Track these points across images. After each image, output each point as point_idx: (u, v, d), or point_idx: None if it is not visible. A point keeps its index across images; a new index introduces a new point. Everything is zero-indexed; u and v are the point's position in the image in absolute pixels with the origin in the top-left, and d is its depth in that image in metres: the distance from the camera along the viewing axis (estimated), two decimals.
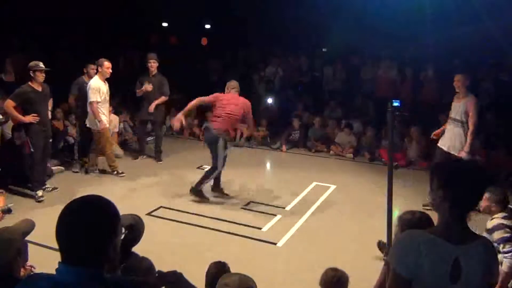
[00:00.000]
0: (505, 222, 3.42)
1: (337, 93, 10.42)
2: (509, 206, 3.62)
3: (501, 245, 3.35)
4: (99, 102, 6.48)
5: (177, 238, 4.88)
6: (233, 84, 5.97)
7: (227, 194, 6.13)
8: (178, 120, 5.83)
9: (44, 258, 2.87)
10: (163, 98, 7.62)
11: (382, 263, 3.55)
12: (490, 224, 3.49)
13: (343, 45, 10.11)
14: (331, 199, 6.20)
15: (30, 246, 3.13)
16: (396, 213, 3.80)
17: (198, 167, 7.26)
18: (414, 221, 2.46)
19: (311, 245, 4.80)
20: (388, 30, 8.84)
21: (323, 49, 11.73)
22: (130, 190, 6.34)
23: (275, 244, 4.79)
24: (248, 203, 5.94)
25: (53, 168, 6.77)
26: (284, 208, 5.82)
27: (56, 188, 6.17)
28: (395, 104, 4.02)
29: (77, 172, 7.02)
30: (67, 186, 6.29)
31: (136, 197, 6.03)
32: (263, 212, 5.67)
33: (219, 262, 2.80)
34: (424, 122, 8.19)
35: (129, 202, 5.58)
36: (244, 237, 4.92)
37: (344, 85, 10.48)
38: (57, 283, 1.35)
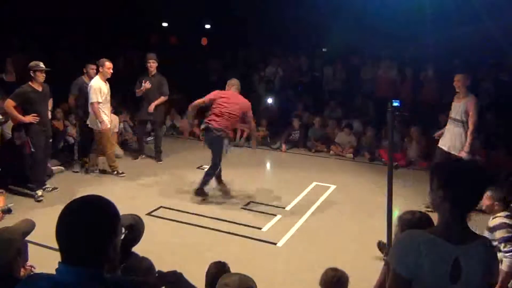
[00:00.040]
0: (507, 221, 3.41)
1: (337, 93, 10.43)
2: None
3: (502, 244, 3.35)
4: (100, 102, 6.48)
5: (177, 238, 4.88)
6: (233, 82, 5.98)
7: (228, 190, 6.12)
8: (186, 130, 5.83)
9: (44, 258, 2.87)
10: (162, 98, 7.62)
11: (382, 263, 3.55)
12: (492, 222, 3.48)
13: (343, 45, 10.11)
14: (331, 199, 6.20)
15: (30, 246, 3.13)
16: (396, 213, 3.80)
17: (198, 167, 7.26)
18: (414, 221, 2.46)
19: (311, 245, 4.80)
20: (388, 30, 8.84)
21: (323, 49, 11.74)
22: (130, 190, 6.34)
23: (275, 244, 4.79)
24: (248, 203, 5.94)
25: (53, 168, 6.77)
26: (284, 208, 5.82)
27: (56, 188, 6.17)
28: (395, 104, 4.02)
29: (77, 172, 7.02)
30: (67, 186, 6.29)
31: (136, 197, 6.03)
32: (263, 212, 5.67)
33: (219, 262, 2.80)
34: (424, 122, 8.19)
35: (129, 202, 5.57)
36: (244, 237, 4.92)
37: (344, 85, 10.49)
38: (57, 283, 1.35)
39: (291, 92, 10.78)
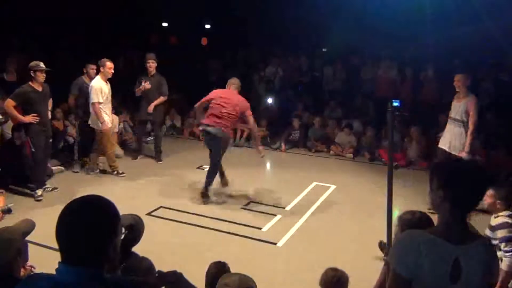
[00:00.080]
0: (510, 221, 3.40)
1: (337, 93, 10.42)
2: None
3: (503, 244, 3.34)
4: (101, 102, 6.48)
5: (177, 238, 4.88)
6: (233, 81, 5.99)
7: (227, 181, 6.19)
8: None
9: (44, 258, 2.87)
10: (161, 99, 7.62)
11: (382, 263, 3.56)
12: (495, 221, 3.47)
13: (343, 45, 10.11)
14: (331, 199, 6.20)
15: (30, 246, 3.13)
16: (396, 213, 3.80)
17: (198, 167, 7.26)
18: (414, 221, 2.46)
19: (311, 245, 4.80)
20: (388, 30, 8.84)
21: (323, 49, 11.73)
22: (130, 190, 6.34)
23: (275, 244, 4.79)
24: (248, 203, 5.94)
25: (53, 168, 6.77)
26: (284, 208, 5.82)
27: (56, 188, 6.17)
28: (395, 104, 4.02)
29: (77, 172, 7.02)
30: (67, 186, 6.29)
31: (136, 197, 6.03)
32: (263, 212, 5.67)
33: (219, 262, 2.80)
34: (424, 122, 8.20)
35: (129, 202, 5.57)
36: (244, 237, 4.92)
37: (344, 85, 10.49)
38: (57, 283, 1.35)
39: (291, 92, 10.77)
